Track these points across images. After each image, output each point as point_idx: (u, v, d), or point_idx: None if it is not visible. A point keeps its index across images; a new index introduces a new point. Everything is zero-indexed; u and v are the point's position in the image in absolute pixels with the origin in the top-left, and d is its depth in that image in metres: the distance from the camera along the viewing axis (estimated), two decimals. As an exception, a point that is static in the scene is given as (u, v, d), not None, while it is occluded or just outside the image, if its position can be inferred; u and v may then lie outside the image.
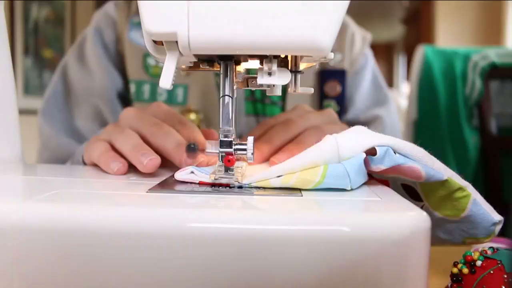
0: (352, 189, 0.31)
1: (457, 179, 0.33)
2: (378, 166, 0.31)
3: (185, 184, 0.32)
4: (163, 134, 0.39)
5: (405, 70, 4.85)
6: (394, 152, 0.31)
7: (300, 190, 0.31)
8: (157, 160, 0.36)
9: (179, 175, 0.33)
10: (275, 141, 0.41)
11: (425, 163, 0.32)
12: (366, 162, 0.32)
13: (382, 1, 4.05)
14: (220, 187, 0.31)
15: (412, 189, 0.36)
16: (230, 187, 0.31)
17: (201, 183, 0.32)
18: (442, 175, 0.32)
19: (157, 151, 0.38)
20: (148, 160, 0.36)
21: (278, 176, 0.31)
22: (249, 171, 0.35)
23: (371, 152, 0.31)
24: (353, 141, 0.31)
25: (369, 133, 0.32)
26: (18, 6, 2.36)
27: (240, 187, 0.31)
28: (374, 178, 0.35)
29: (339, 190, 0.30)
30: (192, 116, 0.64)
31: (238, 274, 0.23)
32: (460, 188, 0.33)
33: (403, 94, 4.51)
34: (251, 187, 0.31)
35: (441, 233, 0.37)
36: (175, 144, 0.38)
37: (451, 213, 0.35)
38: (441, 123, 1.28)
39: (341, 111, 0.69)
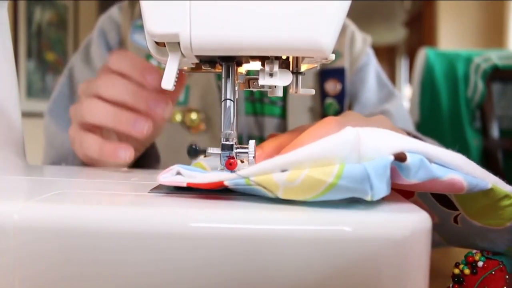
0: (372, 200, 0.24)
1: (502, 185, 0.28)
2: (411, 180, 0.25)
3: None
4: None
5: (407, 73, 4.84)
6: (429, 162, 0.26)
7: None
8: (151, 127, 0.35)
9: (163, 177, 0.29)
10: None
11: (466, 172, 0.26)
12: (393, 172, 0.25)
13: (384, 3, 4.06)
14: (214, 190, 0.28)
15: (443, 196, 0.32)
16: (225, 187, 0.28)
17: (189, 185, 0.28)
18: (486, 183, 0.27)
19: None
20: (147, 128, 0.36)
21: (283, 171, 0.25)
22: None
23: (398, 158, 0.25)
24: (379, 139, 0.25)
25: (396, 134, 0.26)
26: (21, 9, 2.37)
27: (237, 184, 0.27)
28: (395, 190, 0.30)
29: (353, 200, 0.25)
30: (193, 115, 0.65)
31: (239, 274, 0.23)
32: (507, 196, 0.28)
33: (405, 96, 4.51)
34: (251, 186, 0.26)
35: (481, 242, 0.33)
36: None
37: (495, 222, 0.30)
38: (443, 125, 1.28)
39: (342, 110, 0.69)
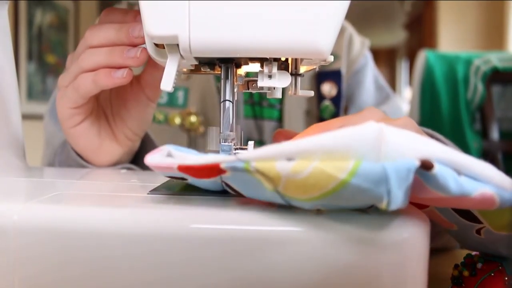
0: (388, 209, 0.21)
1: None
2: (437, 192, 0.22)
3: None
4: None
5: (408, 75, 4.85)
6: (458, 173, 0.22)
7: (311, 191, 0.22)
8: (145, 50, 0.35)
9: (151, 158, 0.25)
10: None
11: (497, 184, 0.22)
12: (415, 182, 0.22)
13: (384, 5, 4.07)
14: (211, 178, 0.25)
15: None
16: (222, 170, 0.24)
17: (180, 168, 0.25)
18: None
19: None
20: (140, 52, 0.36)
21: (289, 160, 0.22)
22: None
23: (424, 166, 0.21)
24: (404, 141, 0.21)
25: (423, 138, 0.22)
26: (22, 11, 2.37)
27: (235, 168, 0.23)
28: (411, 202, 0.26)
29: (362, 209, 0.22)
30: (193, 118, 0.65)
31: (239, 275, 0.23)
32: None
33: (405, 99, 4.51)
34: (249, 172, 0.23)
35: (504, 249, 0.31)
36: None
37: None
38: (443, 127, 1.28)
39: (338, 112, 0.69)
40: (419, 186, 0.22)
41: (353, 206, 0.23)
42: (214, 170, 0.24)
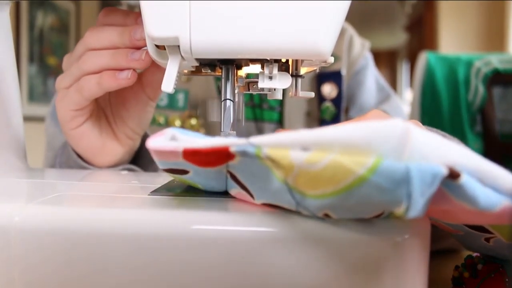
0: (405, 217, 0.19)
1: None
2: (463, 204, 0.20)
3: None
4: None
5: (408, 77, 4.85)
6: (483, 184, 0.20)
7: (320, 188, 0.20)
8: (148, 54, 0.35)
9: (153, 142, 0.23)
10: None
11: None
12: (438, 191, 0.19)
13: (384, 8, 4.07)
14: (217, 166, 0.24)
15: None
16: (230, 155, 0.22)
17: (186, 153, 0.23)
18: None
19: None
20: (144, 55, 0.36)
21: (305, 150, 0.20)
22: None
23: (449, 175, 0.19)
24: (432, 142, 0.20)
25: (448, 143, 0.20)
26: (23, 13, 2.38)
27: (245, 153, 0.22)
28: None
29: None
30: (193, 121, 0.65)
31: (241, 276, 0.24)
32: None
33: (406, 100, 4.51)
34: (260, 159, 0.21)
35: (510, 254, 0.30)
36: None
37: None
38: (444, 129, 1.28)
39: (339, 113, 0.69)
40: (439, 195, 0.20)
41: (364, 211, 0.22)
42: (222, 155, 0.23)
